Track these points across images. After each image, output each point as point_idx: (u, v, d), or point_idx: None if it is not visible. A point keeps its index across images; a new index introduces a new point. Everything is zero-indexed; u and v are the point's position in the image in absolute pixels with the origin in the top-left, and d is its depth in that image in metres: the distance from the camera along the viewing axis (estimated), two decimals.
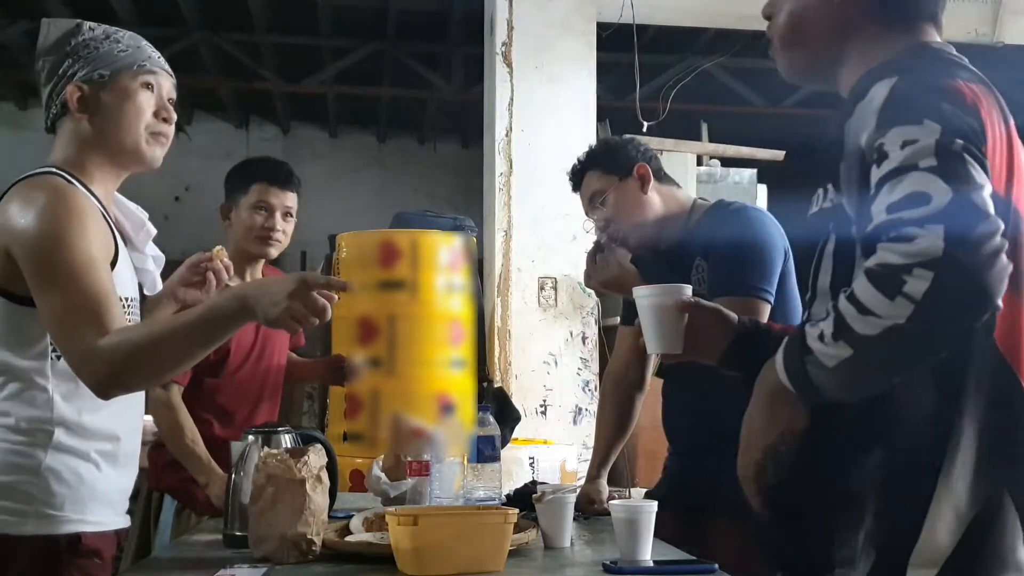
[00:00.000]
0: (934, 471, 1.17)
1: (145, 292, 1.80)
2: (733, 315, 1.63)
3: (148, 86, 1.71)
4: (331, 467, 1.86)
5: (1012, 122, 1.24)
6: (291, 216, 2.68)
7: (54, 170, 1.64)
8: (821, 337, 1.13)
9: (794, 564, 1.31)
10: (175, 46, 6.58)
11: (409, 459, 2.22)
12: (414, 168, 8.91)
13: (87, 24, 1.71)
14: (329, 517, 1.83)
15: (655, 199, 2.31)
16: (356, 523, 1.91)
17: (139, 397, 1.76)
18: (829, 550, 1.23)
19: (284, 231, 2.66)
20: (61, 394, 1.59)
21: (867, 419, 1.21)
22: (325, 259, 5.44)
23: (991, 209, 1.07)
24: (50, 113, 1.70)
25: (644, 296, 1.62)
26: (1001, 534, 1.18)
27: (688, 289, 1.62)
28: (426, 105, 8.05)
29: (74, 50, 1.68)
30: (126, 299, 1.66)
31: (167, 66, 1.76)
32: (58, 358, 1.59)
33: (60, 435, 1.59)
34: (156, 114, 1.72)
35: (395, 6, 6.40)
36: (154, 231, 1.81)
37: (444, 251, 3.79)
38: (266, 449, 1.83)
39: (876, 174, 1.14)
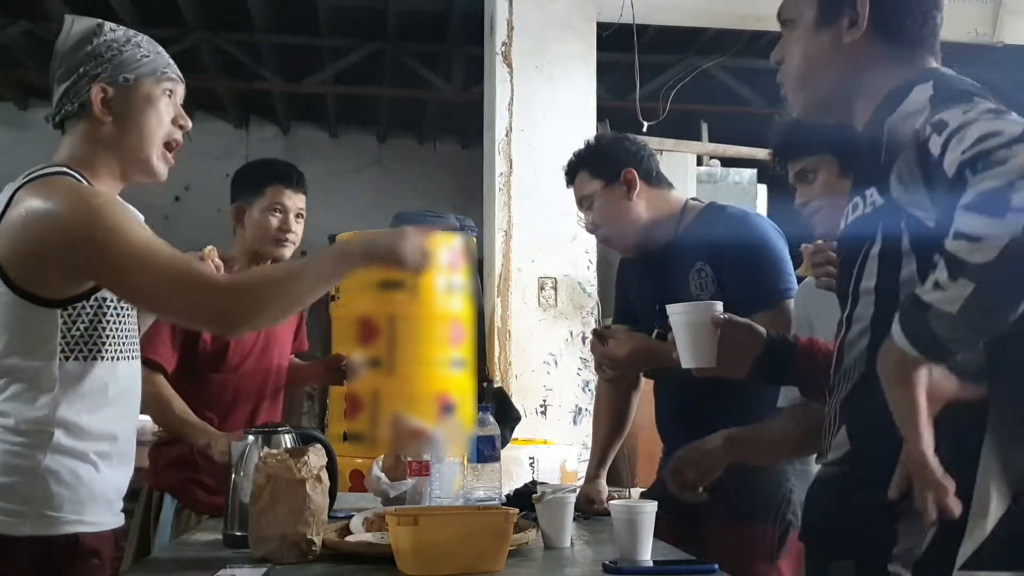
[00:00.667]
0: (976, 448, 1.20)
1: None
2: (762, 329, 1.67)
3: (168, 93, 1.74)
4: (331, 467, 1.86)
5: None
6: (302, 217, 2.71)
7: (66, 170, 1.64)
8: (937, 285, 1.11)
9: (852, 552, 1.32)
10: (175, 46, 6.57)
11: (409, 459, 2.22)
12: (414, 168, 8.91)
13: (108, 24, 1.72)
14: (329, 517, 1.83)
15: (642, 203, 2.30)
16: (356, 523, 1.91)
17: (136, 397, 1.76)
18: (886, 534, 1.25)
19: (297, 232, 2.68)
20: (65, 395, 1.59)
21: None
22: None
23: None
24: (63, 110, 1.69)
25: (679, 313, 1.67)
26: None
27: (720, 305, 1.68)
28: (426, 105, 8.05)
29: (96, 50, 1.68)
30: (112, 297, 1.66)
31: (180, 72, 1.78)
32: (66, 359, 1.59)
33: (60, 436, 1.59)
34: (173, 121, 1.75)
35: (395, 6, 6.40)
36: None
37: (444, 251, 3.79)
38: (266, 449, 1.83)
39: (938, 141, 1.16)
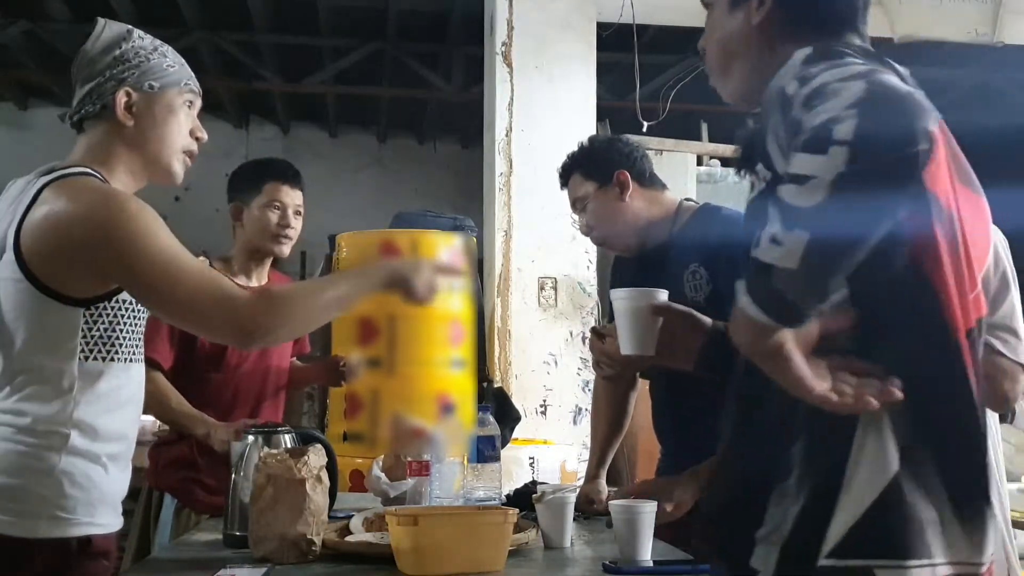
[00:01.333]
0: (849, 432, 1.13)
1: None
2: (707, 319, 1.65)
3: (189, 104, 1.78)
4: (331, 467, 1.86)
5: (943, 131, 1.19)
6: (300, 214, 2.72)
7: (88, 170, 1.65)
8: (773, 240, 1.03)
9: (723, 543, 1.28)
10: (175, 46, 6.49)
11: (409, 459, 2.22)
12: (414, 168, 8.92)
13: (137, 32, 1.75)
14: (329, 517, 1.84)
15: (636, 205, 2.30)
16: (356, 523, 1.92)
17: (142, 398, 1.76)
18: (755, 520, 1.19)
19: (296, 228, 2.70)
20: (83, 396, 1.60)
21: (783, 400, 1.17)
22: (325, 259, 5.45)
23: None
24: (83, 110, 1.70)
25: (620, 298, 1.66)
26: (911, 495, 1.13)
27: (663, 293, 1.66)
28: (426, 105, 8.05)
29: (123, 55, 1.71)
30: (131, 300, 1.67)
31: (199, 86, 1.82)
32: (85, 359, 1.60)
33: (75, 438, 1.59)
34: (191, 132, 1.78)
35: (395, 6, 6.40)
36: None
37: (444, 251, 3.79)
38: (266, 449, 1.83)
39: (798, 91, 1.11)
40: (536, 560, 1.77)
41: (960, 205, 1.19)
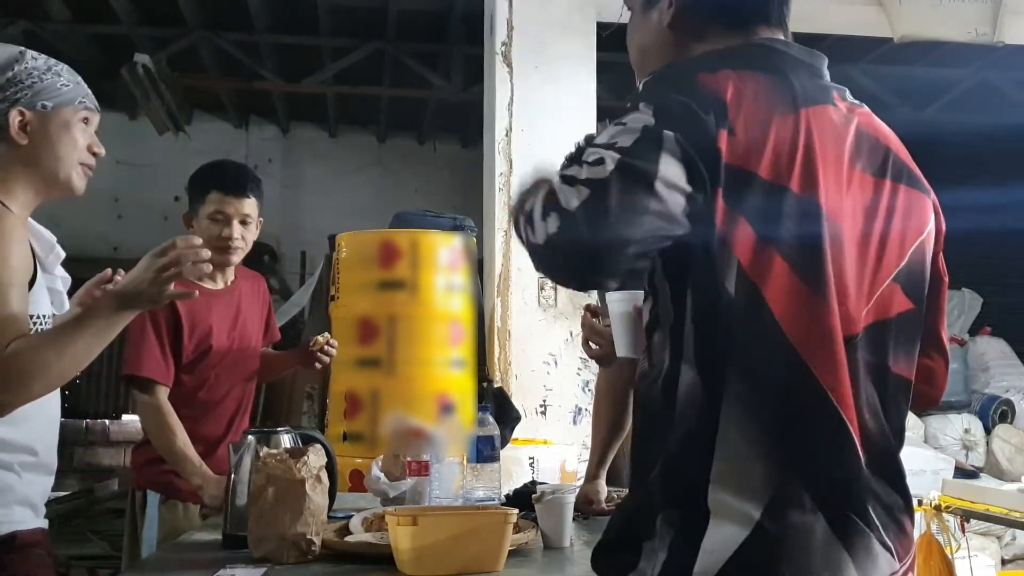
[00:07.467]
0: (706, 468, 1.11)
1: (55, 311, 1.82)
2: None
3: (84, 120, 1.82)
4: (331, 467, 1.86)
5: (810, 124, 1.17)
6: (249, 223, 2.69)
7: None
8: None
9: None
10: (175, 46, 6.57)
11: (409, 459, 2.22)
12: (414, 168, 8.91)
13: (31, 52, 1.79)
14: (329, 517, 1.84)
15: None
16: (356, 523, 1.92)
17: (53, 406, 1.79)
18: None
19: (243, 237, 2.67)
20: None
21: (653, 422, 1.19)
22: (325, 259, 5.45)
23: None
24: None
25: (613, 301, 1.66)
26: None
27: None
28: (426, 105, 8.05)
29: (16, 76, 1.74)
30: (42, 316, 1.71)
31: (97, 103, 1.86)
32: None
33: None
34: (88, 147, 1.82)
35: (395, 6, 6.40)
36: (63, 254, 1.85)
37: (444, 251, 3.79)
38: (266, 449, 1.83)
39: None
40: (536, 560, 1.77)
41: (870, 202, 1.18)
